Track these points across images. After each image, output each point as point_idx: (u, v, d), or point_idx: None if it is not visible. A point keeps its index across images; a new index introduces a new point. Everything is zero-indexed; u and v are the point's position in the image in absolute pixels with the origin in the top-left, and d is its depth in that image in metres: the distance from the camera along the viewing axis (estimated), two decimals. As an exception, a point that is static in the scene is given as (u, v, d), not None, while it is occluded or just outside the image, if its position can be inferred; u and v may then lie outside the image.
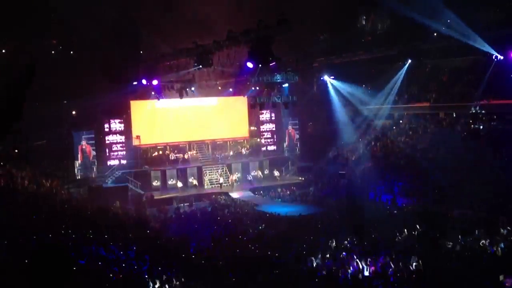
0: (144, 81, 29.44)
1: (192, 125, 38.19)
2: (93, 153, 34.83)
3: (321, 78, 39.42)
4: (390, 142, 36.03)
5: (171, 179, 35.47)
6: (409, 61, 34.77)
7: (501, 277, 13.40)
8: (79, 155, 34.40)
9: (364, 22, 38.52)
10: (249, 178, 36.68)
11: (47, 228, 17.76)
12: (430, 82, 36.57)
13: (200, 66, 24.38)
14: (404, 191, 28.77)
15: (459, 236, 18.36)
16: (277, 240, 20.36)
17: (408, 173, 30.68)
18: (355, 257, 16.07)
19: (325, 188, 33.15)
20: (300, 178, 37.03)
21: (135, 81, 30.44)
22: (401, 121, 38.23)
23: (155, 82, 29.37)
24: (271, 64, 21.86)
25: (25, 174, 26.11)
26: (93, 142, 34.91)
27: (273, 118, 41.36)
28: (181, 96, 32.95)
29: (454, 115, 33.69)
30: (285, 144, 41.39)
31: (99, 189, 31.75)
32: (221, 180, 35.59)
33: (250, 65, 21.48)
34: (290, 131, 41.47)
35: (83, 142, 34.56)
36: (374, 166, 33.54)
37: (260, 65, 23.30)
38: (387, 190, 29.34)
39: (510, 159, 27.18)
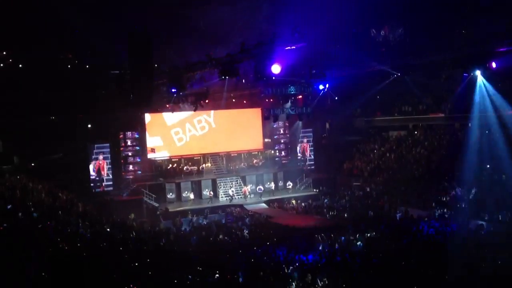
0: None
1: (207, 138, 38.34)
2: (108, 166, 34.97)
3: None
4: (405, 153, 35.78)
5: (186, 192, 35.50)
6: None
7: None
8: (94, 168, 34.56)
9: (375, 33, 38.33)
10: (259, 191, 36.27)
11: (64, 240, 17.82)
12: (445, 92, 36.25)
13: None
14: (419, 203, 28.45)
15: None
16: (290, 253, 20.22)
17: (423, 184, 30.41)
18: None
19: (339, 200, 32.92)
20: (314, 190, 36.78)
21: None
22: (415, 132, 37.96)
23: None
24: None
25: (42, 187, 26.30)
26: (108, 155, 35.08)
27: (287, 130, 41.28)
28: (195, 109, 33.02)
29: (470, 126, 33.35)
30: (299, 156, 41.23)
31: (114, 202, 31.92)
32: (232, 192, 35.30)
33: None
34: (304, 143, 41.30)
35: (98, 155, 34.75)
36: (389, 177, 33.29)
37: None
38: (402, 202, 29.04)
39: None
